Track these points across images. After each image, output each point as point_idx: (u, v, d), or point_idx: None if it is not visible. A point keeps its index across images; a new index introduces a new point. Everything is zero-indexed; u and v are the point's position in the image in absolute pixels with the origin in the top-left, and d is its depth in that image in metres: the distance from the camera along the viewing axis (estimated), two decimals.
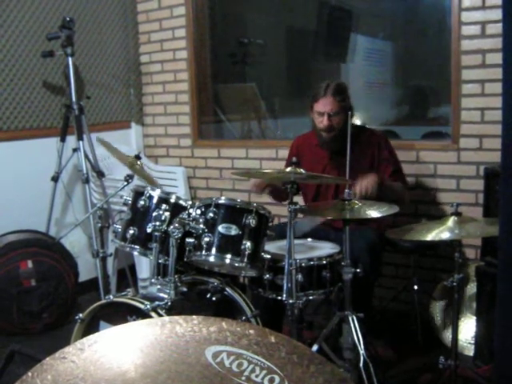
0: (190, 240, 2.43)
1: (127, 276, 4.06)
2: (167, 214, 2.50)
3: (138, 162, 2.92)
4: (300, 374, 1.16)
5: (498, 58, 3.20)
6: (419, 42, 4.52)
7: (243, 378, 1.14)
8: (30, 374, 1.15)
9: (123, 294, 2.45)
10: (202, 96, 4.71)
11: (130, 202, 2.65)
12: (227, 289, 2.62)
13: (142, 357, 1.18)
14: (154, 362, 1.16)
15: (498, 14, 3.19)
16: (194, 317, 1.25)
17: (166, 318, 1.26)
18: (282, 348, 1.20)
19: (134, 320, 2.23)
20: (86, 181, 3.83)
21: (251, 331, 1.23)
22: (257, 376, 1.14)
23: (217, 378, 1.13)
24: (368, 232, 3.01)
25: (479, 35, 3.32)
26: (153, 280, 2.49)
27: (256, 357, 1.18)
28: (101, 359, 1.16)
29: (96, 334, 1.23)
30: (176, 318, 1.26)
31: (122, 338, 1.22)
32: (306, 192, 3.34)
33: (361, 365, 2.42)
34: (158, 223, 2.46)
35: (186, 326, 1.23)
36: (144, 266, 4.03)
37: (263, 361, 1.17)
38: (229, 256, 2.41)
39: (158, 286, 2.46)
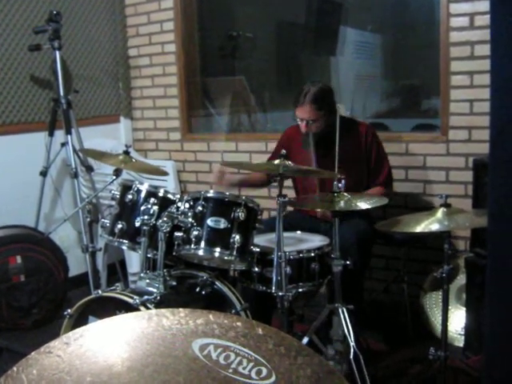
0: (178, 234, 2.42)
1: (117, 270, 4.05)
2: (155, 207, 2.49)
3: (132, 159, 2.87)
4: (287, 366, 1.15)
5: (486, 50, 3.20)
6: (408, 34, 4.51)
7: (230, 371, 1.13)
8: (15, 368, 1.14)
9: (112, 288, 2.44)
10: (191, 89, 4.70)
11: (118, 196, 2.63)
12: (216, 282, 2.62)
13: (128, 350, 1.17)
14: (141, 356, 1.16)
15: (486, 6, 3.19)
16: (181, 309, 1.24)
17: (153, 311, 1.25)
18: (269, 340, 1.20)
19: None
20: (75, 175, 3.81)
21: (238, 323, 1.23)
22: (244, 368, 1.14)
23: (204, 371, 1.13)
24: (358, 222, 3.02)
25: (468, 27, 3.33)
26: (142, 274, 2.48)
27: (243, 349, 1.17)
28: (86, 353, 1.15)
29: (82, 328, 1.22)
30: (163, 311, 1.25)
31: (108, 331, 1.21)
32: (296, 182, 3.36)
33: (351, 357, 2.42)
34: (146, 217, 2.45)
35: (172, 319, 1.22)
36: (134, 261, 4.02)
37: (250, 353, 1.17)
38: (218, 249, 2.41)
39: (147, 281, 2.45)
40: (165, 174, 3.17)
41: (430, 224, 2.29)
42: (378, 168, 3.23)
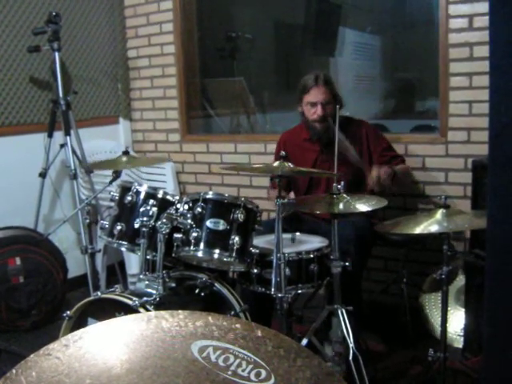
0: (177, 235, 2.42)
1: (117, 272, 4.04)
2: (155, 209, 2.49)
3: (131, 156, 2.88)
4: (287, 368, 1.15)
5: (485, 51, 3.20)
6: (407, 35, 4.52)
7: (229, 373, 1.13)
8: (14, 371, 1.14)
9: (111, 290, 2.43)
10: (191, 90, 4.70)
11: (117, 197, 2.63)
12: (216, 284, 2.61)
13: (127, 352, 1.17)
14: (140, 358, 1.15)
15: (485, 7, 3.19)
16: (180, 311, 1.24)
17: (152, 313, 1.25)
18: (268, 342, 1.20)
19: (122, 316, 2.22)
20: (74, 176, 3.81)
21: (237, 325, 1.23)
22: (243, 370, 1.14)
23: (203, 373, 1.13)
24: (358, 220, 3.01)
25: (467, 28, 3.33)
26: (141, 276, 2.48)
27: (242, 351, 1.17)
28: (86, 355, 1.15)
29: (81, 330, 1.22)
30: (162, 312, 1.25)
31: (108, 333, 1.21)
32: (298, 185, 3.35)
33: (350, 358, 2.42)
34: (145, 219, 2.44)
35: (171, 321, 1.22)
36: (133, 262, 4.01)
37: (250, 355, 1.16)
38: (217, 251, 2.40)
39: (147, 282, 2.45)
40: (165, 160, 3.15)
41: (429, 225, 2.29)
42: (393, 152, 3.33)
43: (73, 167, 3.80)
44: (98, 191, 3.31)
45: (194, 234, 2.40)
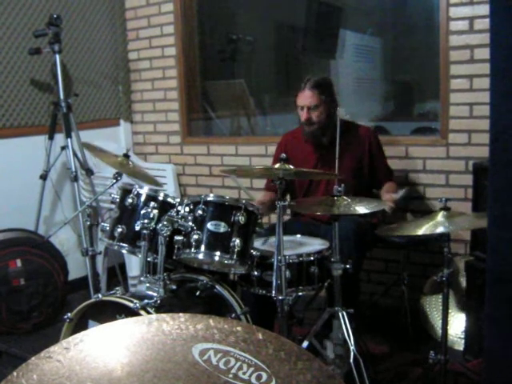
0: (178, 238, 2.42)
1: (117, 274, 4.04)
2: (155, 211, 2.48)
3: (130, 163, 2.88)
4: (287, 371, 1.15)
5: (485, 53, 3.20)
6: (408, 37, 4.52)
7: (230, 376, 1.13)
8: (15, 373, 1.14)
9: (112, 292, 2.43)
10: (191, 93, 4.70)
11: (117, 199, 2.62)
12: (217, 286, 2.61)
13: (128, 355, 1.17)
14: (141, 361, 1.15)
15: (485, 10, 3.19)
16: (181, 314, 1.24)
17: (153, 316, 1.25)
18: (269, 345, 1.20)
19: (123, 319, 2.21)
20: (75, 179, 3.81)
21: (238, 328, 1.23)
22: (244, 373, 1.14)
23: (204, 376, 1.13)
24: (355, 219, 3.01)
25: (467, 30, 3.33)
26: (142, 278, 2.47)
27: (243, 354, 1.17)
28: (87, 358, 1.15)
29: (82, 333, 1.22)
30: (163, 315, 1.25)
31: (109, 336, 1.21)
32: (297, 188, 3.34)
33: (351, 360, 2.42)
34: (146, 221, 2.44)
35: (172, 324, 1.22)
36: (134, 264, 4.01)
37: (251, 358, 1.16)
38: (218, 253, 2.40)
39: (147, 284, 2.44)
40: (158, 184, 3.14)
41: (430, 227, 2.29)
42: (386, 166, 3.35)
43: (73, 169, 3.80)
44: (98, 193, 3.30)
45: (195, 237, 2.39)
